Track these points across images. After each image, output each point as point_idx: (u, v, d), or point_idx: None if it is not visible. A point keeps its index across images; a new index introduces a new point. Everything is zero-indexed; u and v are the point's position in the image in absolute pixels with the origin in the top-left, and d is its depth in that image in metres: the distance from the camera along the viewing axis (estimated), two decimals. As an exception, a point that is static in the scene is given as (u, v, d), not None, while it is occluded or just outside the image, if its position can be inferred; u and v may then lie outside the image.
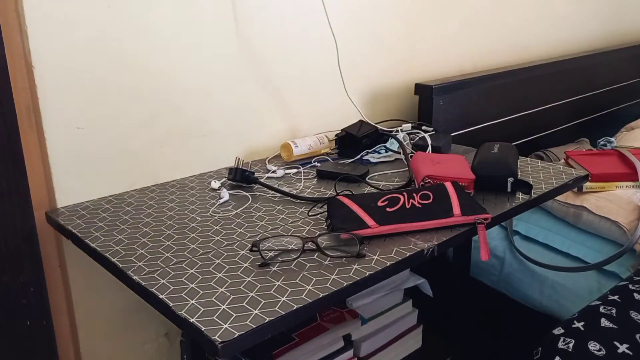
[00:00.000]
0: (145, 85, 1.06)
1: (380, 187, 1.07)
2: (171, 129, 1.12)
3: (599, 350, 0.96)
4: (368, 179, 1.12)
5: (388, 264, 0.76)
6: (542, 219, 1.51)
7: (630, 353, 0.95)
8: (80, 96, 0.99)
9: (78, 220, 0.94)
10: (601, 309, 1.04)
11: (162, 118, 1.10)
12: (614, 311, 1.03)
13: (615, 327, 1.00)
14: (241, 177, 1.07)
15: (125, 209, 0.99)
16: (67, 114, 0.98)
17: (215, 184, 1.08)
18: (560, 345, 0.99)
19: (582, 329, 1.01)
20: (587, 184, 1.44)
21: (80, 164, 1.01)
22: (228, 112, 1.21)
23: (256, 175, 1.09)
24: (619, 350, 0.96)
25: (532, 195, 1.00)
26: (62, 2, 0.93)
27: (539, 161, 1.21)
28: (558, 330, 1.02)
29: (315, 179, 1.12)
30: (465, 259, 1.40)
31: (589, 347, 0.97)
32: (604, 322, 1.01)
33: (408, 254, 0.79)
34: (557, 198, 1.45)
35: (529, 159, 1.22)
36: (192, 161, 1.17)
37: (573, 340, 0.99)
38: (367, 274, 0.74)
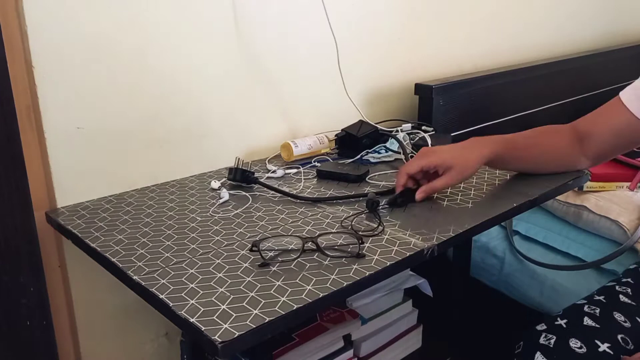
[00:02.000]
0: (145, 85, 1.06)
1: (380, 187, 1.07)
2: (171, 129, 1.12)
3: (580, 347, 0.96)
4: (368, 179, 1.12)
5: (388, 264, 0.76)
6: (542, 218, 1.51)
7: (611, 352, 0.95)
8: (80, 96, 0.99)
9: (78, 220, 0.94)
10: (585, 308, 1.05)
11: (162, 118, 1.10)
12: (597, 311, 1.03)
13: (597, 326, 0.99)
14: (241, 177, 1.07)
15: (125, 209, 0.99)
16: (67, 114, 0.98)
17: (215, 184, 1.08)
18: (542, 340, 0.99)
19: (564, 326, 1.01)
20: (588, 184, 1.44)
21: (80, 163, 1.01)
22: (228, 112, 1.20)
23: (256, 175, 1.09)
24: (600, 349, 0.95)
25: (530, 196, 1.00)
26: (62, 2, 0.93)
27: (539, 161, 1.20)
28: (541, 327, 1.03)
29: (315, 179, 1.12)
30: (465, 259, 1.40)
31: (570, 343, 0.97)
32: (587, 321, 1.01)
33: (408, 254, 0.79)
34: (557, 197, 1.45)
35: (529, 158, 1.22)
36: (192, 161, 1.17)
37: (554, 337, 0.99)
38: (367, 274, 0.74)
